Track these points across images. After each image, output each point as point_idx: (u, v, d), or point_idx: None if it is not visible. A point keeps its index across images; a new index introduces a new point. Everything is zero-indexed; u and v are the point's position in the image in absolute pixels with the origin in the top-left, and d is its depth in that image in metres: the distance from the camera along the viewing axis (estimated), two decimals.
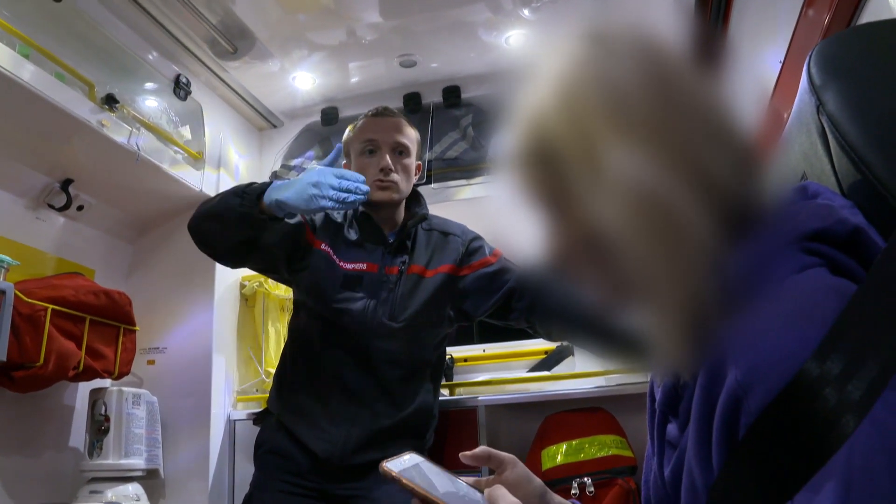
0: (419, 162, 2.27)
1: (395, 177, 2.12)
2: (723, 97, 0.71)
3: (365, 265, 2.11)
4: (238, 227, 1.89)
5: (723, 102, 0.71)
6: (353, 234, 2.17)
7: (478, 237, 2.23)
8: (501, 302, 2.12)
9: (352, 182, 1.84)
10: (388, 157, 2.11)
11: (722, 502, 0.60)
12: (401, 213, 2.21)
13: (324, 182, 1.83)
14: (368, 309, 2.06)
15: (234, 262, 2.13)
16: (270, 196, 1.86)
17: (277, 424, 2.10)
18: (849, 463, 0.51)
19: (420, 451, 2.01)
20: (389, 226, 2.18)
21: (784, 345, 0.57)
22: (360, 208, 2.17)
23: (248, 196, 1.88)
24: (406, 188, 2.17)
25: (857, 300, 0.57)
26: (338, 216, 2.21)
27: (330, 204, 1.82)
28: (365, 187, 1.85)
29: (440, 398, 2.30)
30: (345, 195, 1.83)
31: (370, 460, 1.95)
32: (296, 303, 2.27)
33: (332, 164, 1.94)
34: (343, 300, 2.07)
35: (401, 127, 2.18)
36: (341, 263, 2.12)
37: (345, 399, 2.03)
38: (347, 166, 2.22)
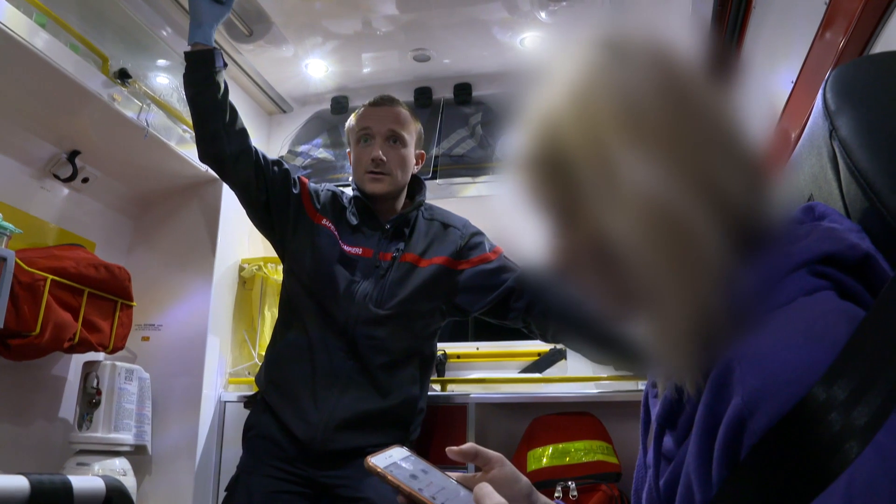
0: (421, 151, 2.27)
1: (387, 167, 2.13)
2: (735, 112, 0.70)
3: (361, 250, 2.13)
4: (196, 76, 2.07)
5: (735, 117, 0.70)
6: (353, 219, 2.18)
7: (479, 232, 2.24)
8: (499, 300, 2.13)
9: None
10: (379, 148, 2.12)
11: None
12: (401, 201, 2.21)
13: None
14: (356, 293, 2.06)
15: (222, 156, 2.15)
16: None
17: (263, 405, 2.10)
18: (850, 489, 0.51)
19: (404, 443, 2.02)
20: (388, 213, 2.19)
21: (792, 367, 0.57)
22: (357, 194, 2.18)
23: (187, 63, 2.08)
24: (402, 178, 2.17)
25: (866, 326, 0.57)
26: (344, 201, 2.23)
27: None
28: None
29: (430, 393, 2.31)
30: None
31: (352, 447, 1.96)
32: (287, 280, 2.26)
33: None
34: (335, 279, 2.08)
35: (396, 116, 2.18)
36: (342, 244, 2.13)
37: (329, 382, 2.03)
38: (350, 154, 2.24)
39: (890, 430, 0.52)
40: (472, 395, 2.49)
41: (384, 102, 2.21)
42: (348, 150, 2.27)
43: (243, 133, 2.14)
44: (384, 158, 2.12)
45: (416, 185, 2.27)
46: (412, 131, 2.21)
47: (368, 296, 2.07)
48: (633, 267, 0.66)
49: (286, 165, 2.23)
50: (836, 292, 0.64)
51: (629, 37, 0.73)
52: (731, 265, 0.66)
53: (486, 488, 0.83)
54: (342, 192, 2.29)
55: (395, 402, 2.06)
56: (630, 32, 0.74)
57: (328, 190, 2.28)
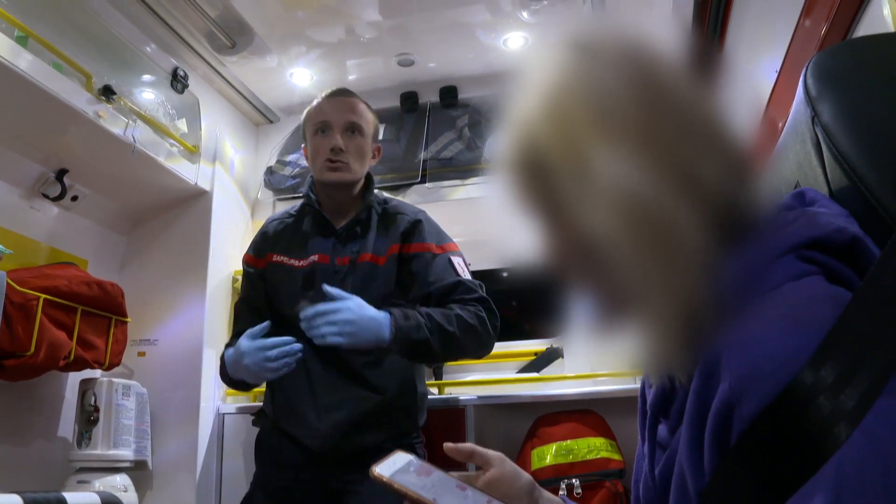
0: (377, 145, 2.25)
1: (345, 157, 2.10)
2: (717, 105, 0.71)
3: (317, 256, 2.11)
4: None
5: (716, 110, 0.70)
6: (304, 227, 2.18)
7: (425, 220, 2.18)
8: (424, 298, 2.09)
9: (281, 352, 1.93)
10: (338, 137, 2.10)
11: None
12: (354, 197, 2.18)
13: (260, 366, 1.93)
14: (322, 302, 2.04)
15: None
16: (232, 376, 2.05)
17: (273, 426, 2.10)
18: (840, 472, 0.51)
19: (415, 432, 2.00)
20: (343, 212, 2.16)
21: (779, 352, 0.57)
22: (313, 196, 2.16)
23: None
24: (359, 169, 2.14)
25: (852, 309, 0.57)
26: (290, 217, 2.23)
27: (275, 374, 1.95)
28: (297, 346, 1.94)
29: (429, 397, 2.30)
30: (283, 362, 1.93)
31: (364, 447, 1.96)
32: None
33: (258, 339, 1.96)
34: (300, 299, 2.06)
35: (354, 107, 2.16)
36: (298, 263, 2.12)
37: (327, 392, 2.02)
38: (305, 150, 2.22)
39: (878, 413, 0.52)
40: (470, 398, 2.49)
41: (341, 94, 2.20)
42: (303, 144, 2.25)
43: None
44: (343, 147, 2.10)
45: (367, 184, 2.22)
46: (370, 123, 2.19)
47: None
48: (617, 263, 0.67)
49: (248, 270, 2.24)
50: (824, 277, 0.64)
51: (601, 36, 0.73)
52: (716, 255, 0.66)
53: None
54: (287, 213, 2.27)
55: (393, 395, 2.05)
56: (602, 32, 0.74)
57: (273, 221, 2.26)
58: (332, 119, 2.13)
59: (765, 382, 0.57)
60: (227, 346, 2.09)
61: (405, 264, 2.11)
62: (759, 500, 0.56)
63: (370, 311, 1.89)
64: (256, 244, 2.24)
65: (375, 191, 2.23)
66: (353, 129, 2.14)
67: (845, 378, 0.54)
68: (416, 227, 2.14)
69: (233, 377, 2.04)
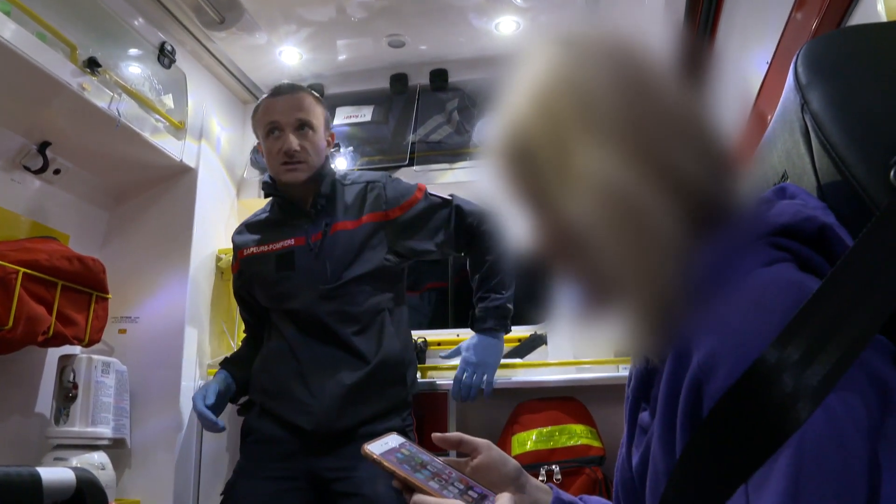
0: (332, 132, 2.28)
1: (300, 156, 2.13)
2: (702, 103, 0.74)
3: (293, 240, 2.16)
4: None
5: (701, 108, 0.74)
6: (274, 218, 2.23)
7: (397, 179, 2.27)
8: (448, 237, 2.21)
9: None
10: (290, 138, 2.12)
11: (681, 484, 0.62)
12: (313, 180, 2.21)
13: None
14: (304, 279, 2.10)
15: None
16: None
17: (260, 410, 2.11)
18: (801, 448, 0.53)
19: (407, 408, 2.09)
20: (307, 195, 2.20)
21: (745, 331, 0.60)
22: (274, 193, 2.22)
23: None
24: (316, 162, 2.17)
25: (821, 292, 0.58)
26: (255, 219, 2.31)
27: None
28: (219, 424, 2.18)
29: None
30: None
31: (359, 420, 1.97)
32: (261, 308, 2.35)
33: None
34: (280, 281, 2.13)
35: (301, 103, 2.17)
36: (269, 248, 2.18)
37: (315, 368, 2.05)
38: (260, 147, 2.25)
39: (841, 394, 0.54)
40: (453, 382, 2.48)
41: (286, 91, 2.19)
42: (258, 142, 2.26)
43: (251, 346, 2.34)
44: (297, 149, 2.12)
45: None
46: (319, 115, 2.20)
47: (315, 277, 2.10)
48: (597, 251, 0.70)
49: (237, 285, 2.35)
50: (795, 264, 0.66)
51: (590, 35, 0.78)
52: (692, 245, 0.69)
53: (504, 498, 0.88)
54: (254, 215, 2.36)
55: (378, 363, 2.07)
56: (592, 30, 0.80)
57: (240, 226, 2.36)
58: (280, 120, 2.14)
59: (731, 359, 0.59)
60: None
61: (406, 221, 2.19)
62: (726, 474, 0.58)
63: (487, 348, 2.25)
64: (232, 253, 2.34)
65: (332, 166, 2.29)
66: (304, 125, 2.15)
67: (810, 356, 0.56)
68: (392, 189, 2.23)
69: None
